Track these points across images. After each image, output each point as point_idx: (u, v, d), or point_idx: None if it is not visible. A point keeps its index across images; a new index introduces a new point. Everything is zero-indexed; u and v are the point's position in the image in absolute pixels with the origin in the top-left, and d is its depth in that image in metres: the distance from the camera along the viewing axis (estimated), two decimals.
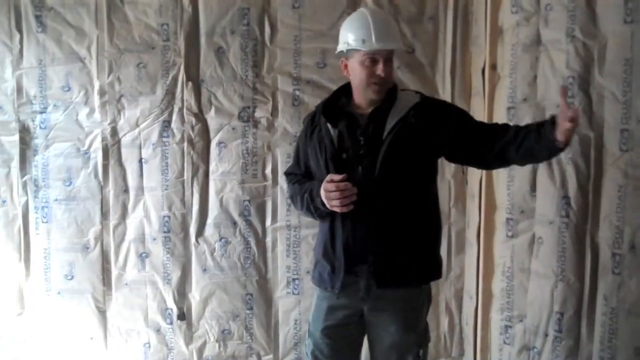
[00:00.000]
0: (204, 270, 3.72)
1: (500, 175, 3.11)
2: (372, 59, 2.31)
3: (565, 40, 2.76)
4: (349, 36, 2.37)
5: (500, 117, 3.09)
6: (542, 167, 2.90)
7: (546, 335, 2.92)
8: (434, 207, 2.49)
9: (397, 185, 2.33)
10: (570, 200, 2.77)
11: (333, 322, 2.49)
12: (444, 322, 3.69)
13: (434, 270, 2.52)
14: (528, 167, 2.96)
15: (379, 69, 2.31)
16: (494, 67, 3.17)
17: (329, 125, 2.39)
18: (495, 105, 3.15)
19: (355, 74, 2.38)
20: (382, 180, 2.30)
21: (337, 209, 2.30)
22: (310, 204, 2.44)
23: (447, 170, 3.57)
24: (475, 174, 3.38)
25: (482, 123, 2.51)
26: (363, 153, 2.33)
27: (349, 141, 2.36)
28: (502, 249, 3.16)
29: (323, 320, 2.50)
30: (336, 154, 2.37)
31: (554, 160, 2.82)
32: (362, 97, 2.41)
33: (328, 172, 2.35)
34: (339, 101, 2.47)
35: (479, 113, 3.30)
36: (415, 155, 2.32)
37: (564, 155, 2.77)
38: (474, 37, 3.46)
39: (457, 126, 2.37)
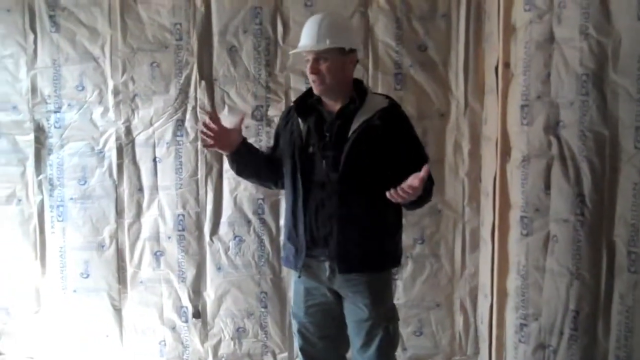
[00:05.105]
0: (219, 268, 3.74)
1: (515, 173, 3.10)
2: (307, 58, 2.48)
3: (579, 37, 2.74)
4: None
5: (514, 115, 3.07)
6: (556, 165, 2.89)
7: (562, 333, 2.91)
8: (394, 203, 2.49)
9: (359, 180, 2.46)
10: (585, 198, 2.76)
11: (313, 302, 2.68)
12: (459, 320, 3.68)
13: (392, 259, 2.67)
14: (542, 165, 2.95)
15: (307, 68, 2.48)
16: (507, 64, 3.15)
17: (299, 120, 2.58)
18: (509, 103, 3.14)
19: None
20: (344, 176, 2.45)
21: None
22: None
23: (460, 168, 3.58)
24: (489, 172, 3.37)
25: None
26: (329, 148, 2.49)
27: (315, 136, 2.53)
28: (516, 247, 3.15)
29: (304, 302, 2.69)
30: (303, 147, 2.54)
31: (568, 158, 2.82)
32: None
33: (294, 162, 2.55)
34: (312, 98, 2.58)
35: (492, 111, 3.30)
36: (377, 156, 2.46)
37: (578, 153, 2.77)
38: (487, 35, 3.45)
39: (400, 149, 2.49)
